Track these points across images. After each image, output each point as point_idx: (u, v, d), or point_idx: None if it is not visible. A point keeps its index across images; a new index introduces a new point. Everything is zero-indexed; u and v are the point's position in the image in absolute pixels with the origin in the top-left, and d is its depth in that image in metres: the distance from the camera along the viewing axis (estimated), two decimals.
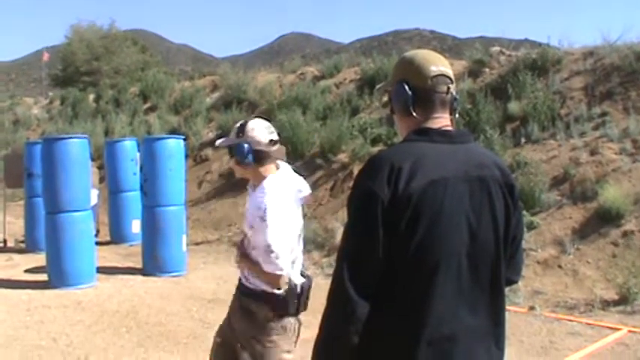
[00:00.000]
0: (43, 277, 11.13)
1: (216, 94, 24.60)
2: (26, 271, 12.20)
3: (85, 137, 11.63)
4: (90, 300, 10.00)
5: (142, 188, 12.09)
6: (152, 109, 26.25)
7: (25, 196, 15.05)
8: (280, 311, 3.91)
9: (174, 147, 11.79)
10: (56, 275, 10.82)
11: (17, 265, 12.77)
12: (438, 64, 2.64)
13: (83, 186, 11.07)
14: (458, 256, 2.46)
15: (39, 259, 12.20)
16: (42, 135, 26.89)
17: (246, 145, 3.87)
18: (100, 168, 17.58)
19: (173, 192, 11.63)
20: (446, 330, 2.44)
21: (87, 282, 10.85)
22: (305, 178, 4.31)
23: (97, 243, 12.02)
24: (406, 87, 2.60)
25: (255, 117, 4.35)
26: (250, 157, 3.87)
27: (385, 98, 16.94)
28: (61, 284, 10.66)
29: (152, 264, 11.64)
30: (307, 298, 4.00)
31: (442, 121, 2.62)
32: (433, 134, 2.56)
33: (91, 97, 31.91)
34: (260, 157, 3.90)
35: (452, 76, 2.68)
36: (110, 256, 13.20)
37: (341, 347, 2.43)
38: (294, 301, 3.89)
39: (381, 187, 2.37)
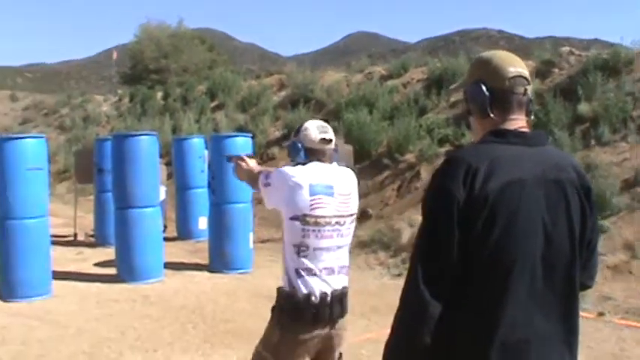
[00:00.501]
0: (112, 270, 11.33)
1: (283, 93, 24.67)
2: (96, 264, 12.42)
3: (154, 134, 11.79)
4: (157, 295, 10.15)
5: (209, 185, 12.19)
6: (219, 107, 26.42)
7: (95, 192, 15.31)
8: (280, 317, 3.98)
9: (241, 145, 11.83)
10: (125, 269, 10.99)
11: (87, 259, 13.01)
12: (516, 65, 2.63)
13: (152, 182, 11.25)
14: (533, 259, 2.44)
15: (108, 253, 12.41)
16: (111, 131, 27.30)
17: (299, 144, 4.06)
18: (167, 165, 17.79)
19: (240, 189, 11.67)
20: (520, 333, 2.42)
21: (154, 277, 11.02)
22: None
23: (165, 239, 12.14)
24: (484, 88, 2.58)
25: (317, 118, 4.45)
26: (302, 154, 4.05)
27: (453, 99, 16.99)
28: (129, 278, 10.83)
29: (219, 261, 11.74)
30: (330, 310, 3.93)
31: (518, 122, 2.61)
32: (510, 136, 2.55)
33: (159, 94, 32.26)
34: (312, 154, 4.04)
35: (529, 78, 2.67)
36: (177, 252, 13.34)
37: (413, 347, 2.42)
38: (311, 311, 3.86)
39: (457, 187, 2.37)
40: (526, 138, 2.57)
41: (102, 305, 9.63)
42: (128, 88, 40.11)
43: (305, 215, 3.85)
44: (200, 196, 14.88)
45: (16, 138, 10.42)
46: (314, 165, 3.99)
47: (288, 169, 3.93)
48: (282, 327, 3.90)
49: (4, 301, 9.79)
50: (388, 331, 2.50)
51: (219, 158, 11.61)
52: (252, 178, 4.35)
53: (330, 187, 3.95)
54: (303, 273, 3.87)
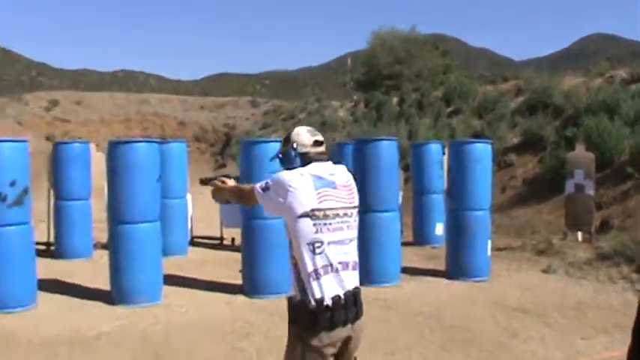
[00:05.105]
0: None
1: (520, 99, 24.23)
2: None
3: (394, 139, 11.86)
4: (394, 299, 10.20)
5: (448, 191, 12.13)
6: (455, 112, 26.36)
7: None
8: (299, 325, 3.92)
9: (482, 151, 11.71)
10: (363, 272, 10.88)
11: None
12: None
13: (392, 187, 11.32)
14: None
15: None
16: (347, 137, 27.87)
17: (292, 151, 4.11)
18: (402, 170, 17.91)
19: (480, 196, 11.55)
20: None
21: (392, 281, 11.09)
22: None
23: (401, 243, 12.18)
24: None
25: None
26: (298, 160, 4.09)
27: None
28: (367, 281, 10.88)
29: (456, 267, 11.65)
30: (345, 312, 3.89)
31: None
32: None
33: (394, 100, 32.58)
34: (307, 158, 4.08)
35: None
36: (413, 258, 13.34)
37: None
38: (325, 316, 3.81)
39: None
40: None
41: None
42: (362, 93, 40.80)
43: (313, 210, 3.85)
44: (437, 201, 14.90)
45: (264, 142, 10.91)
46: (313, 164, 4.02)
47: (286, 173, 3.95)
48: (301, 338, 3.86)
49: (248, 296, 10.27)
50: None
51: (459, 164, 11.57)
52: (241, 195, 4.38)
53: (332, 181, 3.99)
54: (319, 273, 3.85)
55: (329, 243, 3.90)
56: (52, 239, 14.51)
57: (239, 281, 10.70)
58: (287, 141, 4.18)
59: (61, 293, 10.63)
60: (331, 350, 3.89)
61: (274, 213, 4.08)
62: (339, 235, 3.97)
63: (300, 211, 3.85)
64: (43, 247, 13.88)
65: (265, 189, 3.98)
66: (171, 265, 11.79)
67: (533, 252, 13.61)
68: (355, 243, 4.12)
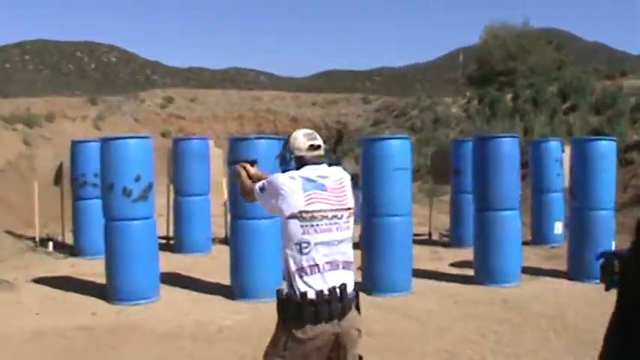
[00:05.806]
0: (468, 272, 11.39)
1: None
2: (451, 264, 12.53)
3: (516, 136, 11.66)
4: (515, 300, 10.00)
5: (570, 190, 11.84)
6: (572, 108, 25.71)
7: (452, 192, 15.49)
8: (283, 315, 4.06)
9: (606, 148, 11.36)
10: (483, 271, 10.99)
11: (442, 259, 13.19)
12: None
13: (513, 185, 11.12)
14: None
15: (463, 253, 12.49)
16: (460, 133, 27.60)
17: (287, 153, 4.23)
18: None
19: (603, 195, 11.22)
20: None
21: (512, 281, 10.88)
22: None
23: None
24: None
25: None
26: (293, 164, 4.19)
27: None
28: (487, 281, 10.82)
29: (579, 268, 11.28)
30: (329, 308, 3.95)
31: None
32: None
33: (508, 96, 32.03)
34: (302, 162, 4.17)
35: None
36: (531, 257, 13.03)
37: None
38: (309, 309, 3.91)
39: None
40: None
41: (460, 306, 9.70)
42: (475, 90, 40.19)
43: (301, 212, 3.97)
44: (556, 200, 14.56)
45: (383, 139, 10.90)
46: (305, 167, 4.13)
47: (279, 176, 4.09)
48: (287, 329, 3.98)
49: (368, 294, 10.13)
50: None
51: (582, 162, 11.28)
52: (245, 190, 4.51)
53: (322, 184, 4.08)
54: (305, 271, 3.96)
55: (316, 244, 4.01)
56: (170, 233, 14.84)
57: (357, 278, 10.66)
58: (286, 143, 4.29)
59: (182, 287, 10.88)
60: (316, 343, 3.97)
61: (270, 213, 4.25)
62: (328, 236, 4.06)
63: (288, 212, 4.00)
64: (162, 241, 14.18)
65: (262, 189, 4.16)
66: None
67: None
68: (348, 244, 4.20)
